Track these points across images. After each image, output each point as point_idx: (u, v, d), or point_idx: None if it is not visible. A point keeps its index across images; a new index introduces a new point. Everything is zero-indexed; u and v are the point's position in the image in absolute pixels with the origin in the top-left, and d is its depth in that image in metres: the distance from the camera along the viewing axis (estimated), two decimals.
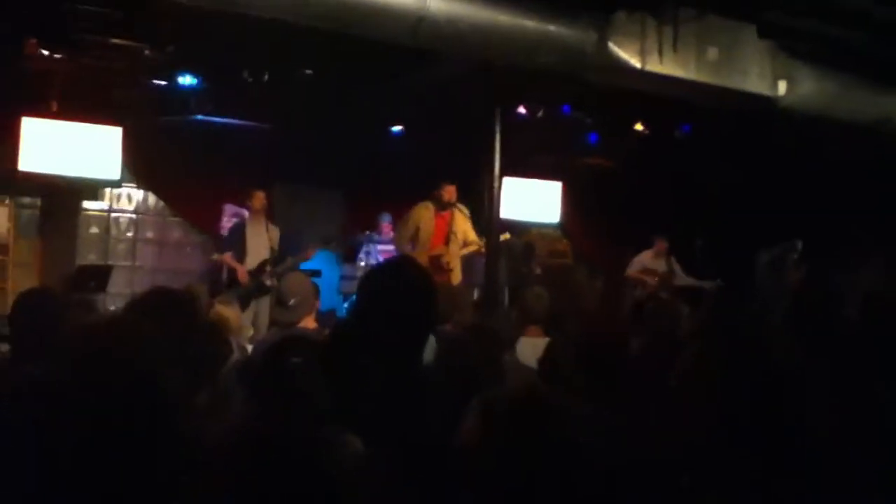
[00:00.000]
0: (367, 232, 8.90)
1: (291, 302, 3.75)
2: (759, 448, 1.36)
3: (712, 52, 5.93)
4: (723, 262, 8.16)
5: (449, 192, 7.06)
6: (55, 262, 7.89)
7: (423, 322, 2.18)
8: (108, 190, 8.67)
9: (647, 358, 2.63)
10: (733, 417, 1.39)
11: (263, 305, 6.80)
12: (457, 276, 7.08)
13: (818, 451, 1.41)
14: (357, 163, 8.72)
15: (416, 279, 2.19)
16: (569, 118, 9.13)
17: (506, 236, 7.63)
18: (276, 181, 8.23)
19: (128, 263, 8.80)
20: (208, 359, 2.71)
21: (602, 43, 5.66)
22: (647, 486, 1.48)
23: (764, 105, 6.33)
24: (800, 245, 8.23)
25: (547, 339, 3.50)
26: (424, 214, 7.06)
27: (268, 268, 6.92)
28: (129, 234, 8.95)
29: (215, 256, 7.63)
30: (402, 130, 9.30)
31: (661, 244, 8.59)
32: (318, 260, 8.02)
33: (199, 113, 8.14)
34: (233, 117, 8.44)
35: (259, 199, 7.12)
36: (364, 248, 8.85)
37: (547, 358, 2.64)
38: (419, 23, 5.11)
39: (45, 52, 6.90)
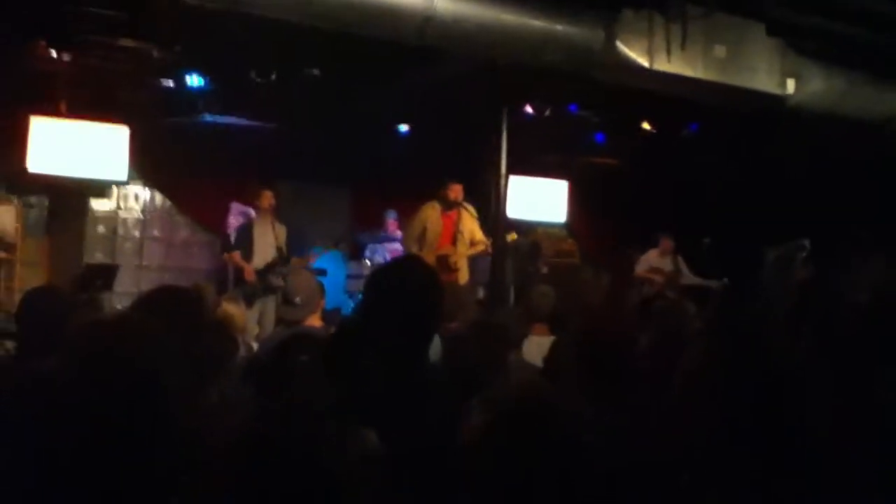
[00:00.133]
0: (372, 230, 8.91)
1: (297, 300, 3.79)
2: (759, 448, 1.36)
3: (720, 51, 5.89)
4: (729, 262, 8.13)
5: (455, 191, 7.00)
6: (62, 262, 7.93)
7: (429, 321, 2.18)
8: (115, 189, 8.70)
9: (653, 356, 2.62)
10: (734, 417, 1.39)
11: (269, 304, 6.84)
12: (464, 276, 7.04)
13: (819, 452, 1.41)
14: (363, 162, 8.72)
15: (424, 278, 2.19)
16: (575, 117, 9.09)
17: (512, 237, 7.60)
18: (282, 180, 8.25)
19: (135, 262, 8.83)
20: (215, 357, 2.72)
21: (609, 41, 5.63)
22: (647, 485, 1.48)
23: (772, 103, 6.29)
24: (808, 244, 8.20)
25: (552, 338, 3.51)
26: (431, 214, 7.01)
27: (276, 268, 6.96)
28: (136, 234, 8.97)
29: (225, 256, 7.66)
30: (408, 130, 9.30)
31: (667, 243, 8.58)
32: (325, 258, 8.05)
33: (206, 113, 8.16)
34: (240, 117, 8.46)
35: (267, 197, 7.13)
36: (370, 247, 8.86)
37: (552, 357, 2.64)
38: (426, 22, 5.11)
39: (53, 54, 6.93)
